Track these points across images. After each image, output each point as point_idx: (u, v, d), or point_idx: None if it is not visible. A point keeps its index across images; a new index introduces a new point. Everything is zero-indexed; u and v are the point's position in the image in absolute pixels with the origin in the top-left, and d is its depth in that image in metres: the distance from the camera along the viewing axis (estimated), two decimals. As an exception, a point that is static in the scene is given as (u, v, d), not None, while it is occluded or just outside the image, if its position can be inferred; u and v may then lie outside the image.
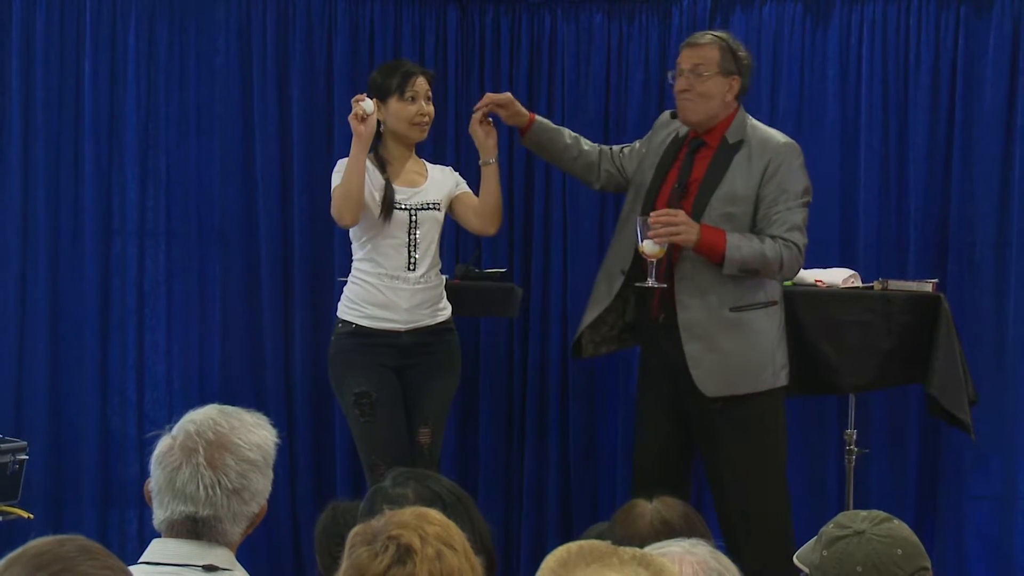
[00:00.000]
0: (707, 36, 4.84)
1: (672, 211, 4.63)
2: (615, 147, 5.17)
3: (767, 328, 4.80)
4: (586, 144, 5.12)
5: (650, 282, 4.69)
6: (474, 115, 4.99)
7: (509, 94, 5.10)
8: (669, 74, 4.89)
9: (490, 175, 4.99)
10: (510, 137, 6.02)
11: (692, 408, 4.82)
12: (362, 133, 4.81)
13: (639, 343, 5.13)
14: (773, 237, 4.67)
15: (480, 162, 5.01)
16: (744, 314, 4.76)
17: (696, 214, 4.70)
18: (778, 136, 4.86)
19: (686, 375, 4.75)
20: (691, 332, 4.74)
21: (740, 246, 4.63)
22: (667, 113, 5.08)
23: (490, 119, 5.00)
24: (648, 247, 4.62)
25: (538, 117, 5.10)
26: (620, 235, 4.98)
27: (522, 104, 5.97)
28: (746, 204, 4.72)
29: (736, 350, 4.74)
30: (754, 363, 4.77)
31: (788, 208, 4.71)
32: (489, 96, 5.05)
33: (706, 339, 4.73)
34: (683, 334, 4.74)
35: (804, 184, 4.78)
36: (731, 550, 4.73)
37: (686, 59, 4.80)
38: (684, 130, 4.92)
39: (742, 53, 4.82)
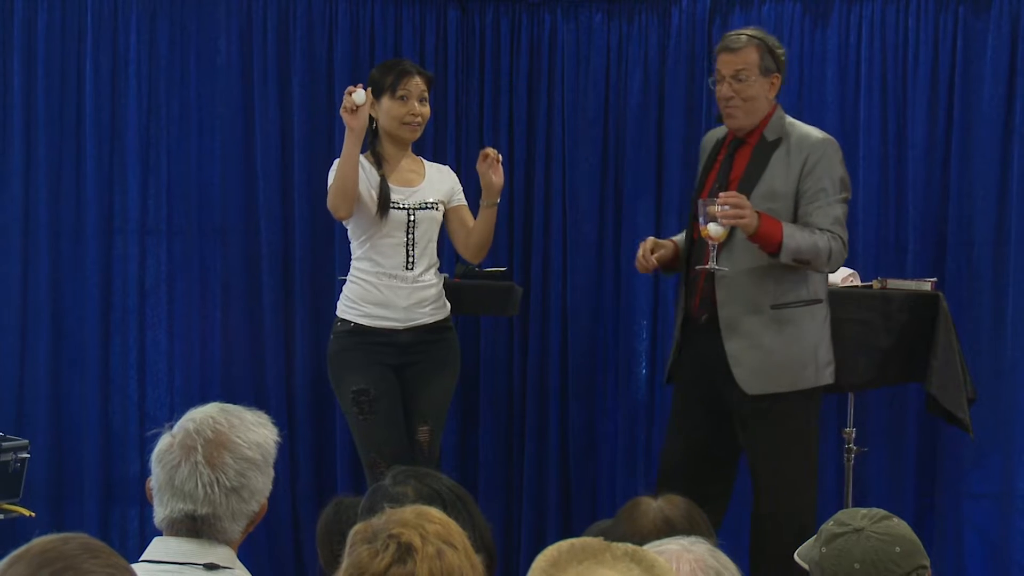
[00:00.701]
0: (743, 37, 4.80)
1: (740, 194, 4.62)
2: None
3: (809, 326, 4.79)
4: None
5: (711, 265, 4.68)
6: (488, 156, 4.95)
7: (651, 239, 4.94)
8: (710, 80, 4.89)
9: (490, 215, 5.01)
10: (510, 133, 6.05)
11: (733, 406, 4.81)
12: (354, 126, 4.81)
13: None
14: (820, 229, 4.67)
15: (482, 202, 5.01)
16: (785, 311, 4.75)
17: None
18: (816, 132, 4.85)
19: (726, 373, 4.75)
20: (732, 330, 4.74)
21: (795, 235, 4.62)
22: (707, 134, 5.09)
23: (499, 157, 4.99)
24: (713, 230, 4.60)
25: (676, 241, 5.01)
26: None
27: (522, 104, 6.02)
28: (786, 200, 4.73)
29: (777, 347, 4.73)
30: (796, 360, 4.76)
31: (828, 203, 4.71)
32: (644, 249, 4.87)
33: (747, 337, 4.73)
34: (724, 332, 4.74)
35: (843, 180, 4.79)
36: (755, 546, 4.77)
37: (726, 65, 4.76)
38: (723, 132, 4.92)
39: (779, 50, 4.80)
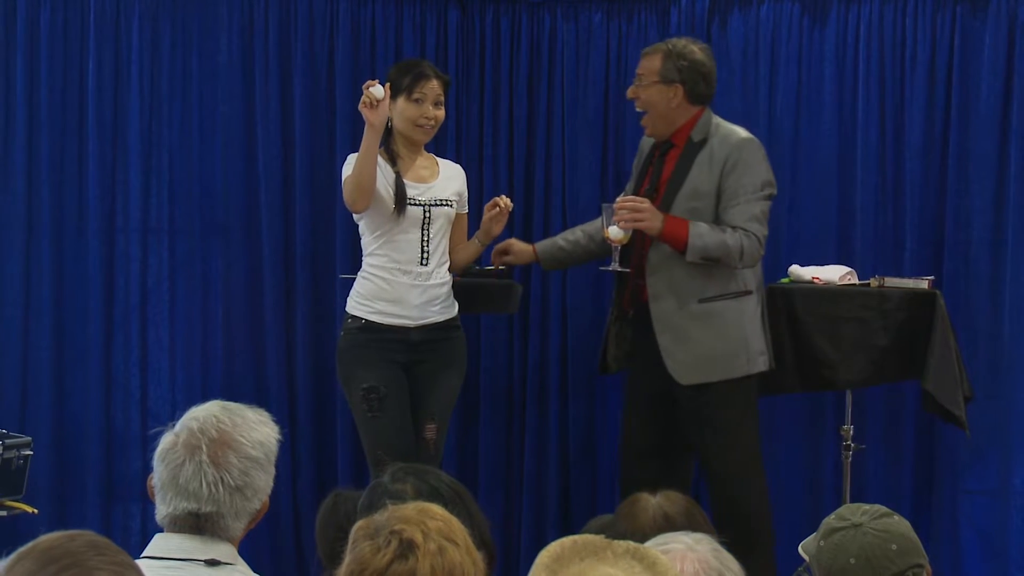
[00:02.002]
0: (658, 45, 5.06)
1: (639, 198, 4.84)
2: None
3: (738, 317, 4.97)
4: (590, 226, 5.33)
5: (613, 265, 4.93)
6: (497, 206, 5.09)
7: (509, 240, 5.38)
8: None
9: (477, 250, 5.18)
10: (510, 132, 6.06)
11: (676, 393, 5.00)
12: (374, 121, 4.82)
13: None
14: (734, 227, 4.84)
15: (476, 238, 5.14)
16: (713, 304, 4.95)
17: (664, 209, 4.89)
18: (739, 132, 5.02)
19: (662, 365, 4.95)
20: (662, 324, 4.95)
21: (702, 234, 4.81)
22: (644, 139, 5.27)
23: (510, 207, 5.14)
24: (613, 232, 4.86)
25: (537, 244, 5.37)
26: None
27: (522, 103, 6.04)
28: (708, 199, 4.91)
29: (706, 340, 4.92)
30: (726, 352, 4.96)
31: (747, 200, 4.89)
32: (496, 250, 5.31)
33: (676, 331, 4.94)
34: (656, 326, 4.95)
35: (764, 178, 4.96)
36: (721, 524, 4.84)
37: (638, 67, 5.04)
38: None
39: (685, 61, 4.93)
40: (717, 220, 4.88)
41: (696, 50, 5.00)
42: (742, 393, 5.01)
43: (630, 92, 5.05)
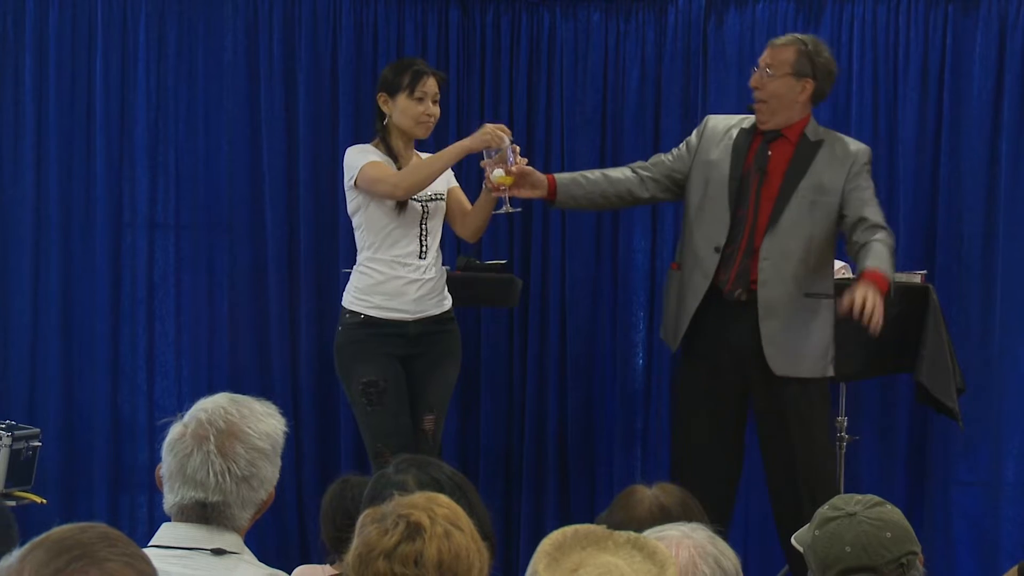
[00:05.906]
0: (789, 37, 5.00)
1: (858, 301, 4.64)
2: (652, 158, 5.20)
3: (828, 318, 4.94)
4: (614, 172, 5.15)
5: (504, 208, 4.88)
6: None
7: (528, 167, 4.99)
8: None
9: (490, 201, 5.01)
10: (509, 127, 6.09)
11: (755, 383, 4.95)
12: (476, 147, 4.89)
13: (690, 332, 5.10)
14: (876, 225, 4.83)
15: (484, 187, 4.98)
16: (814, 301, 4.92)
17: (784, 198, 4.88)
18: (854, 141, 5.07)
19: (754, 352, 4.87)
20: (769, 310, 4.87)
21: (889, 265, 4.76)
22: (711, 117, 5.17)
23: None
24: (496, 175, 4.80)
25: (556, 175, 5.11)
26: (701, 222, 4.99)
27: (522, 100, 6.07)
28: (832, 196, 4.90)
29: (806, 334, 4.88)
30: (818, 349, 4.92)
31: (876, 203, 4.92)
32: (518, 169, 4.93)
33: (782, 318, 4.86)
34: (761, 311, 4.86)
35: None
36: (792, 517, 4.79)
37: (764, 58, 4.96)
38: (749, 122, 5.02)
39: (821, 59, 4.91)
40: (840, 216, 4.90)
41: (826, 50, 4.98)
42: (824, 393, 4.98)
43: (753, 81, 4.94)
